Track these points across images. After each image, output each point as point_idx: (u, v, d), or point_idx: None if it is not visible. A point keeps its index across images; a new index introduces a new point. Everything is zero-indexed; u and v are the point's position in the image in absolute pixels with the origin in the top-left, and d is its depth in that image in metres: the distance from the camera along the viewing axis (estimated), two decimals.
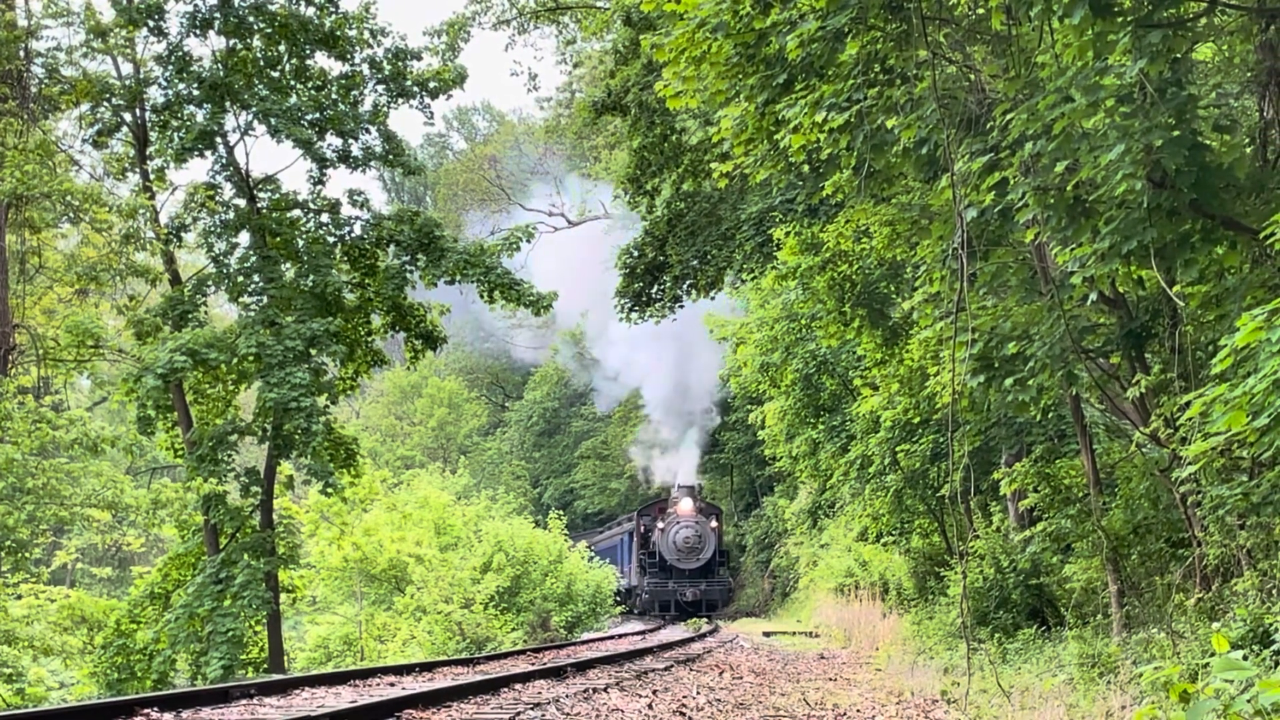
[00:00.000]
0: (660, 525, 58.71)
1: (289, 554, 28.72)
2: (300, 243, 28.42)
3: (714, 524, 59.13)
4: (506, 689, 16.45)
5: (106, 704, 12.68)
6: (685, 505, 58.88)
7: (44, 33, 29.89)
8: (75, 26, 28.87)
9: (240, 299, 28.42)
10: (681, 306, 31.34)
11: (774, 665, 24.58)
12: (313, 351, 26.54)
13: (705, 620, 49.97)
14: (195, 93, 27.56)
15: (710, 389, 64.99)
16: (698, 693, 17.53)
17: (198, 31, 27.57)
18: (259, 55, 28.16)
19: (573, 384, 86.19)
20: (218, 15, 27.29)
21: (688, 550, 57.80)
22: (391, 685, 17.00)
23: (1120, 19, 10.59)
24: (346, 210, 29.42)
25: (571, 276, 66.65)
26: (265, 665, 27.43)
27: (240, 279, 28.17)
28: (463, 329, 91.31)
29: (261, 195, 28.61)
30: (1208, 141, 11.38)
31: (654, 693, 17.11)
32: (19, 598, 34.42)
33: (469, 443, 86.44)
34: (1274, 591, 12.53)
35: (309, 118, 28.17)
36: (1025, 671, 17.12)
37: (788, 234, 27.53)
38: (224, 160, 28.28)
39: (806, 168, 15.81)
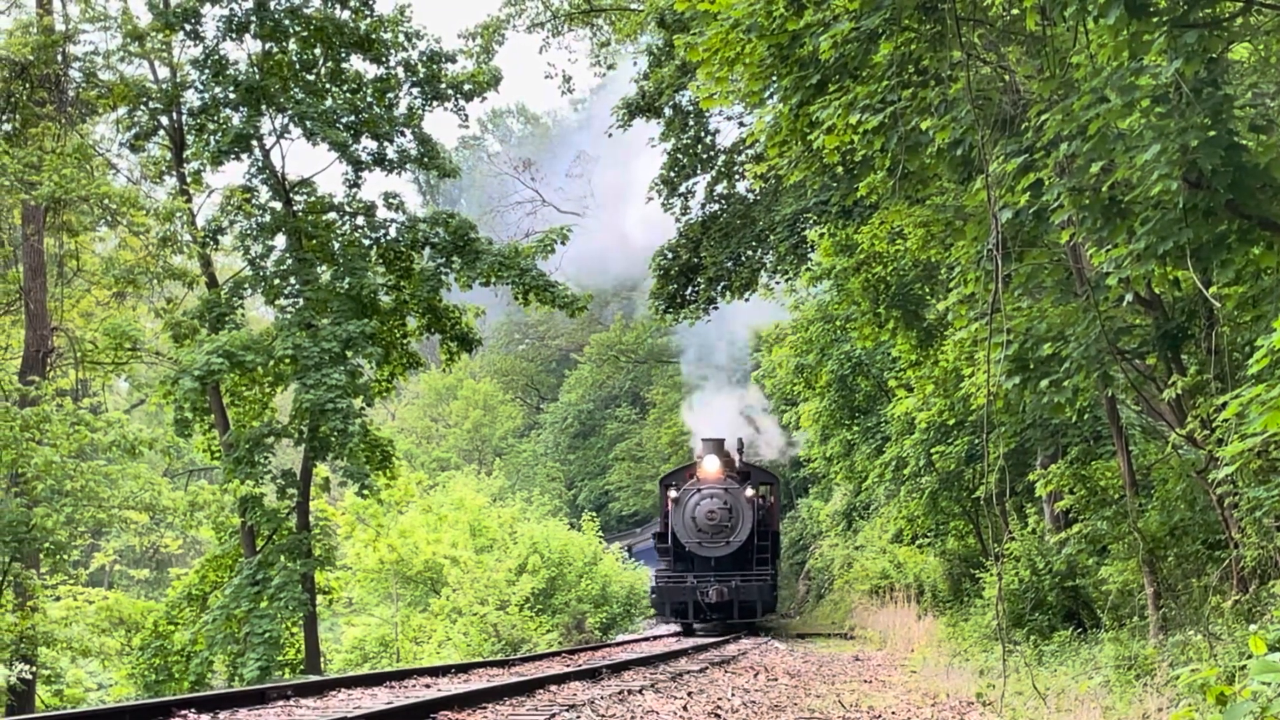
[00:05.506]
0: (673, 495, 41.18)
1: (325, 555, 28.85)
2: (336, 245, 28.56)
3: (751, 492, 41.18)
4: (542, 690, 16.47)
5: (144, 705, 12.75)
6: (710, 466, 41.50)
7: (81, 37, 30.06)
8: (112, 31, 29.03)
9: (277, 301, 28.59)
10: (716, 308, 31.35)
11: (809, 667, 24.54)
12: (349, 353, 26.64)
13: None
14: (231, 96, 27.73)
15: (746, 343, 61.70)
16: (732, 694, 17.53)
17: (234, 35, 27.75)
18: (295, 58, 28.30)
19: (608, 385, 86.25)
20: (254, 19, 27.44)
21: (712, 530, 40.17)
22: (427, 686, 17.04)
23: (1156, 19, 10.54)
24: (382, 213, 29.64)
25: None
26: (302, 666, 27.54)
27: (277, 281, 28.33)
28: (498, 331, 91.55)
29: (297, 198, 28.76)
30: (1244, 141, 11.32)
31: (689, 694, 17.11)
32: (57, 599, 34.64)
33: (504, 445, 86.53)
34: None
35: (344, 120, 28.30)
36: (1061, 674, 17.05)
37: (822, 235, 27.53)
38: (260, 163, 28.45)
39: (841, 169, 15.80)
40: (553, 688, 17.01)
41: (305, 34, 27.92)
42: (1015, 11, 12.78)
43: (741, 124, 29.31)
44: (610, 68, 43.68)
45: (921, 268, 25.66)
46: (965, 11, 12.52)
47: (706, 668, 22.46)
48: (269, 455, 27.34)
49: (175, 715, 12.48)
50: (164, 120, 28.57)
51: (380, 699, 14.73)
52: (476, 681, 17.77)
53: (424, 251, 29.69)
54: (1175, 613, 16.33)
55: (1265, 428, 8.97)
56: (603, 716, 13.94)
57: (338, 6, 28.27)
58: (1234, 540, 14.40)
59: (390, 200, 29.80)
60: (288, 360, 26.37)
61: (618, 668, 20.87)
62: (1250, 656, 7.45)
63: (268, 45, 28.01)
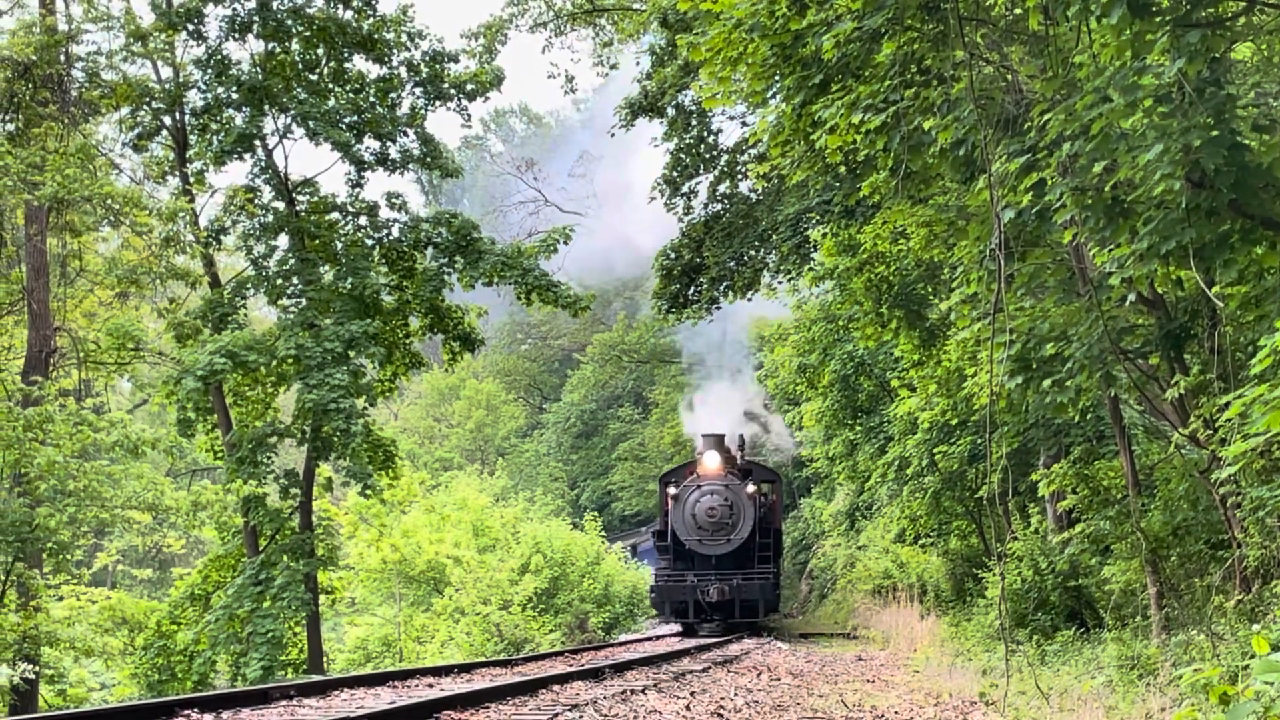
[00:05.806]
0: (672, 492, 39.85)
1: (328, 555, 28.82)
2: (339, 245, 28.58)
3: (752, 489, 39.72)
4: (545, 690, 16.46)
5: (147, 705, 12.73)
6: (710, 462, 40.04)
7: (84, 37, 30.07)
8: (115, 31, 29.06)
9: (279, 301, 28.58)
10: (718, 308, 31.35)
11: (811, 667, 24.52)
12: (351, 353, 26.63)
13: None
14: (234, 96, 27.73)
15: (748, 341, 61.71)
16: (735, 694, 17.52)
17: (237, 35, 27.76)
18: (297, 58, 28.31)
19: (610, 385, 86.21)
20: (256, 19, 27.44)
21: (712, 527, 38.74)
22: (430, 686, 17.03)
23: (1158, 18, 10.53)
24: (384, 213, 29.66)
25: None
26: (305, 666, 27.55)
27: (279, 281, 28.33)
28: (500, 331, 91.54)
29: (300, 198, 28.77)
30: (1247, 141, 11.31)
31: (692, 694, 17.10)
32: (60, 599, 34.67)
33: (507, 444, 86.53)
34: None
35: (347, 120, 28.31)
36: (1064, 673, 17.03)
37: (825, 235, 27.52)
38: (263, 163, 28.46)
39: (843, 169, 15.80)
40: (555, 687, 17.00)
41: (308, 34, 27.92)
42: (1018, 11, 12.78)
43: (744, 124, 29.32)
44: (613, 67, 43.66)
45: (924, 267, 25.67)
46: (968, 11, 12.51)
47: (709, 667, 22.45)
48: (272, 455, 27.30)
49: (178, 715, 12.48)
50: (167, 120, 28.56)
51: (383, 699, 14.73)
52: (479, 681, 17.77)
53: (427, 251, 29.69)
54: (1178, 612, 16.32)
55: (1268, 428, 8.95)
56: (605, 716, 13.93)
57: (340, 7, 28.29)
58: (1237, 540, 14.39)
59: (393, 200, 29.84)
60: (290, 360, 26.37)
61: (620, 667, 20.84)
62: (1253, 656, 7.46)
63: (270, 45, 28.01)
